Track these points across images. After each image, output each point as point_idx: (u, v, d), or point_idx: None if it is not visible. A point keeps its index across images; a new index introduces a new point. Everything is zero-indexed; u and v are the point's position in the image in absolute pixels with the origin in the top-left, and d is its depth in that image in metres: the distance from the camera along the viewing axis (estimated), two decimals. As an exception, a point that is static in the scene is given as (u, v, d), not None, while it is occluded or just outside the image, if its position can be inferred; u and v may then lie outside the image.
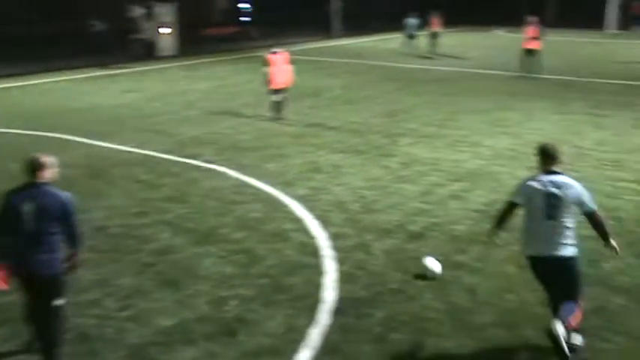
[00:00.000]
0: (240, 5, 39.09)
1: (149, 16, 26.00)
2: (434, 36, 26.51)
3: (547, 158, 5.22)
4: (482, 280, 6.62)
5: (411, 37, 26.44)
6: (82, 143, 12.10)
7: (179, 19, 26.96)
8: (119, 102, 16.56)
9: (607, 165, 10.57)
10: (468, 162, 10.83)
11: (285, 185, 9.64)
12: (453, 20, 26.81)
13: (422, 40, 26.63)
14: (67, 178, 7.60)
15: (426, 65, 23.43)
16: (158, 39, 26.04)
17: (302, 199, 9.01)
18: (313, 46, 30.32)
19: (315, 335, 5.63)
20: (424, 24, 26.99)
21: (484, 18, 38.26)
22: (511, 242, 6.64)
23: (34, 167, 4.94)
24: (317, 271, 6.84)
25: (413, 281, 6.59)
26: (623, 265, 6.92)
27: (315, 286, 6.49)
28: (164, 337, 5.61)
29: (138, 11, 26.24)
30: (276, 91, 14.10)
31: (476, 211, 8.56)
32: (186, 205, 8.84)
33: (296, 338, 5.60)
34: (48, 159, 5.01)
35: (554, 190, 5.05)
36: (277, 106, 14.13)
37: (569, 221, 5.09)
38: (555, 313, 5.05)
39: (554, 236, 5.06)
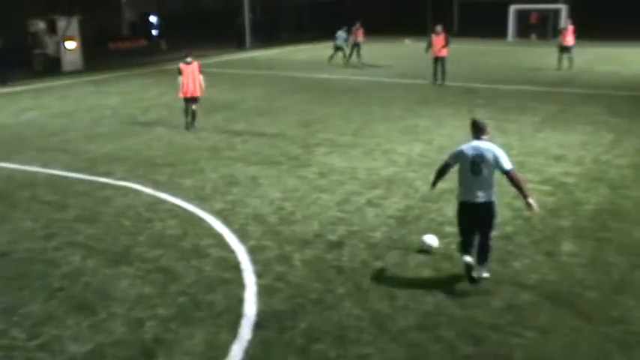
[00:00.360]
0: (149, 18, 38.38)
1: (52, 30, 25.03)
2: (356, 46, 27.28)
3: (477, 129, 6.68)
4: (401, 285, 6.74)
5: (339, 48, 27.30)
6: (-19, 165, 11.47)
7: (84, 32, 26.12)
8: (20, 120, 15.84)
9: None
10: (383, 169, 11.03)
11: (202, 200, 9.48)
12: (367, 31, 27.70)
13: (347, 50, 27.26)
14: (-34, 203, 7.15)
15: (339, 75, 23.76)
16: (62, 54, 25.11)
17: (219, 214, 8.88)
18: (225, 59, 30.12)
19: (236, 351, 5.54)
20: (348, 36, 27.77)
21: (395, 28, 39.44)
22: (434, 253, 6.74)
23: None
24: (237, 285, 6.75)
25: (333, 290, 6.62)
26: (532, 263, 7.23)
27: (236, 301, 6.40)
28: (78, 365, 5.36)
29: (40, 25, 25.22)
30: (187, 100, 14.08)
31: (391, 217, 8.72)
32: (97, 225, 8.52)
33: (217, 355, 5.49)
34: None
35: (477, 152, 6.46)
36: (189, 116, 14.18)
37: (489, 176, 6.46)
38: (469, 248, 6.59)
39: (478, 187, 6.46)
